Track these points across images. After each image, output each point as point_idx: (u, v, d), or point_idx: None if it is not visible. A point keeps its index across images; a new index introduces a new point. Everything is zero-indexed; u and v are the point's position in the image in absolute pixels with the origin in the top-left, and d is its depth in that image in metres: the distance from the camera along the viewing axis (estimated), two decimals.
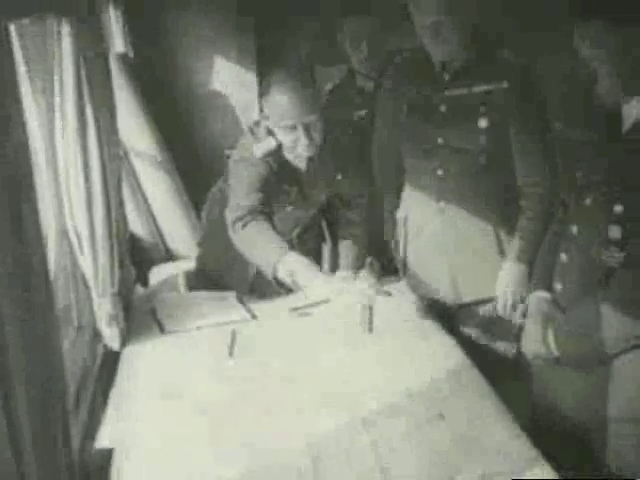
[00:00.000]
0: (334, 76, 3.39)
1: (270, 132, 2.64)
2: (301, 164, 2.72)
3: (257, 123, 2.72)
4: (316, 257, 3.06)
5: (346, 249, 2.92)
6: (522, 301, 2.57)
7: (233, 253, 2.76)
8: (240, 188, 2.66)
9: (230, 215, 2.66)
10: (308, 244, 3.02)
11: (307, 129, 2.53)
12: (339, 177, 2.81)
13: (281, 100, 2.51)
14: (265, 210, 2.64)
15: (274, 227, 2.63)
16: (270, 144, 2.64)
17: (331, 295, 2.55)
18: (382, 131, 2.84)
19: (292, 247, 2.86)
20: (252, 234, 2.61)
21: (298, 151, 2.61)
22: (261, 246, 2.60)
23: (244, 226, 2.61)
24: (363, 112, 3.16)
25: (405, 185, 2.80)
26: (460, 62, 2.49)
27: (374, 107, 2.92)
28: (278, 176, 2.69)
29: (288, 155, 2.68)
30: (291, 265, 2.51)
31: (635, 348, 1.84)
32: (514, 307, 2.62)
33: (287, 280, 2.54)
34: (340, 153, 2.77)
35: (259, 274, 2.80)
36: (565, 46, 1.92)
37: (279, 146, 2.65)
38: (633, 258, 1.80)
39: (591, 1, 1.81)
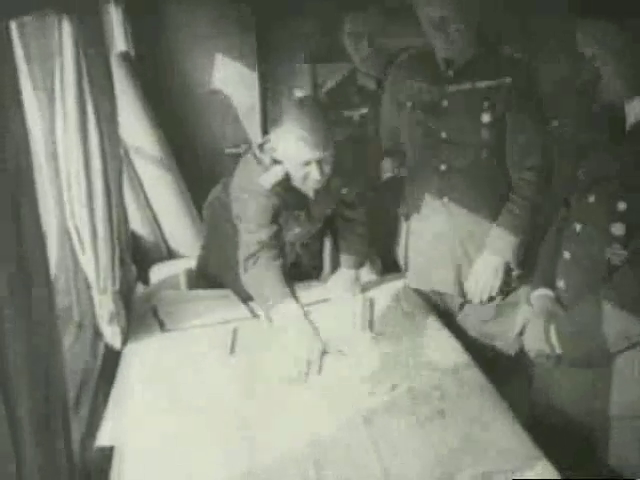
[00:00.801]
0: (336, 74, 3.39)
1: (276, 160, 2.54)
2: (310, 191, 2.63)
3: (261, 148, 2.60)
4: (318, 257, 3.07)
5: (348, 247, 2.91)
6: (499, 293, 2.62)
7: (234, 259, 2.75)
8: (251, 221, 2.59)
9: (243, 252, 2.61)
10: (311, 247, 3.02)
11: (319, 164, 2.45)
12: (344, 191, 2.76)
13: (297, 139, 2.40)
14: (276, 243, 2.60)
15: (283, 264, 2.61)
16: (277, 174, 2.52)
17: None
18: (386, 125, 2.86)
19: (298, 257, 2.94)
20: (260, 272, 2.58)
21: (308, 185, 2.54)
22: (265, 285, 2.58)
23: (254, 263, 2.58)
24: (365, 110, 3.15)
25: (407, 181, 2.80)
26: (464, 59, 2.50)
27: (376, 105, 2.91)
28: (287, 203, 2.62)
29: (296, 184, 2.58)
30: (285, 313, 2.52)
31: (638, 345, 1.84)
32: (490, 299, 2.67)
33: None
34: (343, 165, 2.64)
35: None
36: (568, 45, 1.92)
37: (287, 175, 2.55)
38: (636, 255, 1.80)
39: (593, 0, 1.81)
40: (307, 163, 2.44)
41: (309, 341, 2.43)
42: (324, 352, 2.40)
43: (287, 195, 2.59)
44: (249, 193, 2.57)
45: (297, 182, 2.55)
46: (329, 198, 2.73)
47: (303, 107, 2.47)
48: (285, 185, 2.56)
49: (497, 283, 2.62)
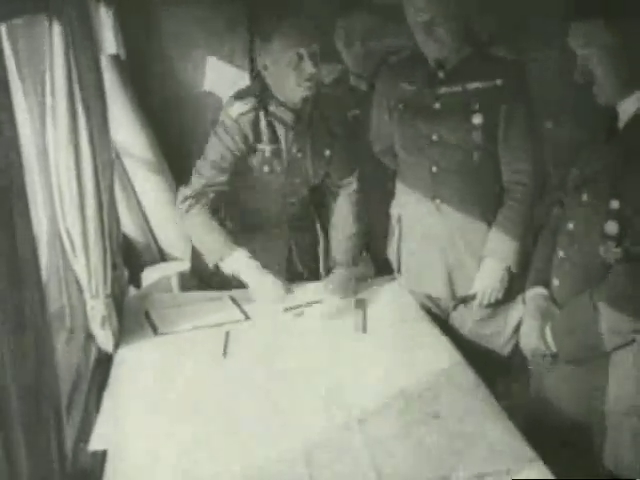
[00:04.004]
0: (327, 75, 3.39)
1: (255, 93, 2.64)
2: (300, 94, 2.61)
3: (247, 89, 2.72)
4: (312, 256, 3.06)
5: (340, 246, 2.91)
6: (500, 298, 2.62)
7: None
8: (207, 158, 2.67)
9: (183, 192, 2.71)
10: (302, 240, 3.02)
11: (313, 57, 2.49)
12: (327, 152, 2.78)
13: (289, 29, 2.49)
14: (218, 196, 2.69)
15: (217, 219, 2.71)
16: (245, 104, 2.62)
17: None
18: (377, 127, 2.85)
19: (290, 252, 2.94)
20: (202, 221, 2.67)
21: (302, 85, 2.53)
22: (208, 235, 2.67)
23: (190, 208, 2.67)
24: (357, 112, 3.15)
25: (398, 182, 2.80)
26: (455, 60, 2.50)
27: (369, 107, 2.91)
28: (254, 135, 2.64)
29: (288, 94, 2.60)
30: (236, 265, 2.63)
31: (632, 342, 1.85)
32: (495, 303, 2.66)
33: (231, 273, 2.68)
34: (330, 133, 2.75)
35: None
36: (560, 45, 1.93)
37: (256, 107, 2.62)
38: (629, 253, 1.81)
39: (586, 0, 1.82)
40: (300, 57, 2.48)
41: (271, 286, 2.58)
42: (289, 291, 2.60)
43: (253, 128, 2.63)
44: (217, 126, 2.65)
45: (288, 90, 2.58)
46: (308, 149, 2.75)
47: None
48: (253, 119, 2.62)
49: (503, 287, 2.62)
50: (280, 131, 2.68)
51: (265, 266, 2.69)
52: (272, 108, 2.64)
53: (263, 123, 2.65)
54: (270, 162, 2.71)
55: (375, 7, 3.14)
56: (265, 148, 2.68)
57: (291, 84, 2.54)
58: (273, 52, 2.53)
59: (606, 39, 1.78)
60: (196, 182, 2.67)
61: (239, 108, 2.62)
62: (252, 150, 2.66)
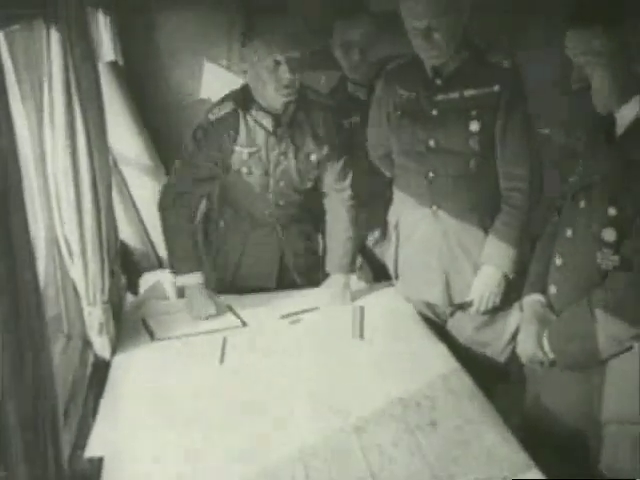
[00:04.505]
0: (326, 83, 3.39)
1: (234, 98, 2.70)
2: (266, 120, 2.68)
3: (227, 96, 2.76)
4: (308, 261, 3.05)
5: (335, 251, 2.92)
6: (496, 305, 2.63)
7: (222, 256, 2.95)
8: (185, 157, 2.76)
9: (164, 198, 2.81)
10: (297, 246, 3.01)
11: (291, 64, 2.51)
12: (313, 157, 2.79)
13: (265, 36, 2.52)
14: (195, 203, 2.82)
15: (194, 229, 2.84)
16: (224, 108, 2.69)
17: None
18: (374, 133, 2.86)
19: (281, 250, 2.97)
20: (177, 230, 2.78)
21: (280, 92, 2.56)
22: (180, 246, 2.79)
23: (168, 213, 2.78)
24: (357, 119, 3.15)
25: (395, 189, 2.80)
26: (452, 67, 2.51)
27: (367, 114, 2.91)
28: (231, 138, 2.69)
29: (268, 98, 2.63)
30: (188, 282, 2.79)
31: (629, 350, 1.85)
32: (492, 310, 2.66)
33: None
34: (317, 138, 2.77)
35: (238, 273, 2.97)
36: (558, 52, 1.93)
37: (235, 110, 2.67)
38: (627, 260, 1.81)
39: (582, 7, 1.82)
40: (277, 64, 2.51)
41: (200, 305, 2.75)
42: (212, 315, 2.73)
43: (234, 132, 2.69)
44: (196, 129, 2.73)
45: (268, 96, 2.61)
46: (291, 151, 2.76)
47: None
48: (232, 122, 2.68)
49: (500, 294, 2.62)
50: (259, 135, 2.70)
51: (255, 265, 2.87)
52: (253, 112, 2.68)
53: (242, 127, 2.68)
54: (248, 164, 2.74)
55: (373, 14, 3.14)
56: (243, 151, 2.71)
57: (269, 90, 2.58)
58: (251, 57, 2.57)
59: (603, 46, 1.78)
60: (178, 186, 2.78)
61: (218, 112, 2.69)
62: (230, 151, 2.71)
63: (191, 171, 2.74)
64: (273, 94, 2.58)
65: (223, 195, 2.93)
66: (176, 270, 2.81)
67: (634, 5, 1.77)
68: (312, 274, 3.03)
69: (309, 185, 2.88)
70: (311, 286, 2.99)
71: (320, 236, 3.05)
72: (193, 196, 2.79)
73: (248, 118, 2.69)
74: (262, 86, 2.59)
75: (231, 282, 2.99)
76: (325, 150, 2.79)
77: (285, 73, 2.51)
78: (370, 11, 3.16)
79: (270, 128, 2.69)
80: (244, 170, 2.75)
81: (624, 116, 1.86)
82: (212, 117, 2.69)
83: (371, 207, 3.09)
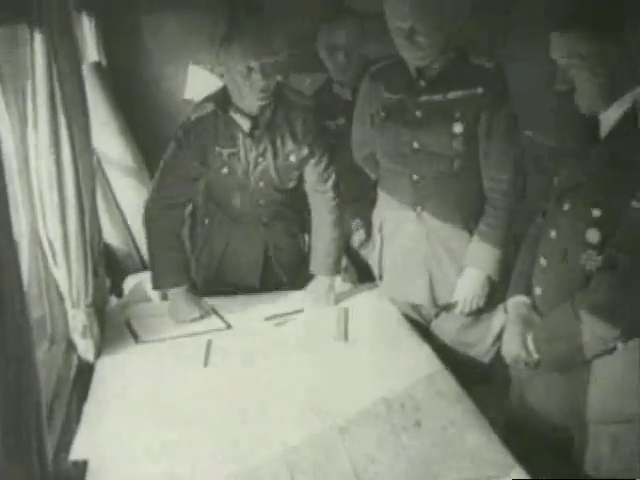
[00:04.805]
0: (310, 85, 3.40)
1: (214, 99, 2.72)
2: (244, 122, 2.70)
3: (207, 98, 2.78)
4: (292, 260, 3.06)
5: (319, 252, 2.92)
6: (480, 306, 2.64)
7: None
8: (165, 160, 2.77)
9: (152, 198, 2.81)
10: (282, 245, 3.02)
11: (265, 70, 2.53)
12: (292, 158, 2.79)
13: (240, 41, 2.53)
14: (180, 211, 2.84)
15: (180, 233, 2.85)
16: (203, 109, 2.71)
17: None
18: (359, 135, 2.86)
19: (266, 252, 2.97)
20: (161, 240, 2.79)
21: (255, 95, 2.58)
22: (162, 258, 2.80)
23: (153, 222, 2.78)
24: (342, 120, 3.15)
25: (380, 190, 2.81)
26: (436, 69, 2.51)
27: (352, 115, 2.91)
28: (211, 138, 2.72)
29: (245, 99, 2.64)
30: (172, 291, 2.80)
31: (614, 350, 1.86)
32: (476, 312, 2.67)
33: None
34: (296, 140, 2.77)
35: (222, 266, 2.99)
36: (541, 55, 1.94)
37: (215, 111, 2.69)
38: (611, 261, 1.82)
39: (567, 11, 1.83)
40: (249, 70, 2.53)
41: (184, 309, 2.75)
42: (196, 319, 2.73)
43: (213, 133, 2.71)
44: (177, 130, 2.75)
45: (245, 99, 2.63)
46: (270, 150, 2.76)
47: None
48: (212, 123, 2.70)
49: (484, 295, 2.63)
50: (238, 136, 2.72)
51: (239, 259, 2.91)
52: (231, 114, 2.70)
53: (221, 128, 2.70)
54: (229, 165, 2.76)
55: (357, 15, 3.14)
56: (222, 151, 2.73)
57: (245, 94, 2.60)
58: (226, 61, 2.58)
59: (587, 49, 1.78)
60: (163, 189, 2.79)
61: (199, 112, 2.71)
62: (211, 151, 2.73)
63: (175, 171, 2.75)
64: (249, 97, 2.60)
65: (208, 193, 2.94)
66: (160, 286, 2.83)
67: (634, 5, 1.78)
68: (297, 271, 3.04)
69: (291, 185, 2.88)
70: (297, 285, 2.99)
71: (306, 234, 3.05)
72: (179, 198, 2.79)
73: (227, 119, 2.70)
74: (238, 90, 2.61)
75: (215, 277, 2.99)
76: (305, 151, 2.78)
77: (258, 80, 2.53)
78: (355, 12, 3.16)
79: (247, 130, 2.71)
80: (225, 170, 2.76)
81: (608, 117, 1.87)
82: (193, 117, 2.71)
83: (355, 208, 3.10)
